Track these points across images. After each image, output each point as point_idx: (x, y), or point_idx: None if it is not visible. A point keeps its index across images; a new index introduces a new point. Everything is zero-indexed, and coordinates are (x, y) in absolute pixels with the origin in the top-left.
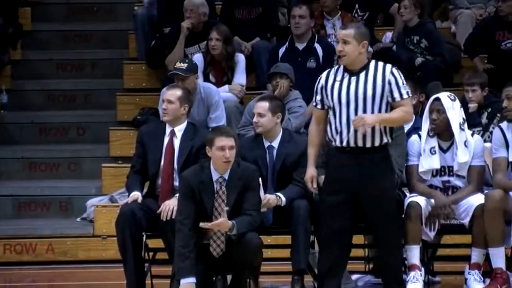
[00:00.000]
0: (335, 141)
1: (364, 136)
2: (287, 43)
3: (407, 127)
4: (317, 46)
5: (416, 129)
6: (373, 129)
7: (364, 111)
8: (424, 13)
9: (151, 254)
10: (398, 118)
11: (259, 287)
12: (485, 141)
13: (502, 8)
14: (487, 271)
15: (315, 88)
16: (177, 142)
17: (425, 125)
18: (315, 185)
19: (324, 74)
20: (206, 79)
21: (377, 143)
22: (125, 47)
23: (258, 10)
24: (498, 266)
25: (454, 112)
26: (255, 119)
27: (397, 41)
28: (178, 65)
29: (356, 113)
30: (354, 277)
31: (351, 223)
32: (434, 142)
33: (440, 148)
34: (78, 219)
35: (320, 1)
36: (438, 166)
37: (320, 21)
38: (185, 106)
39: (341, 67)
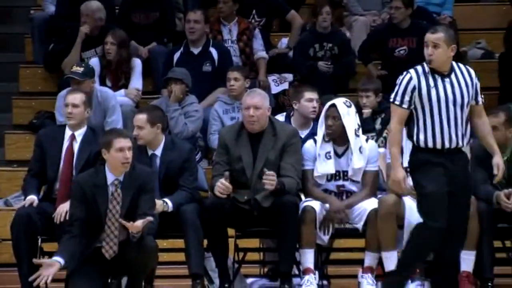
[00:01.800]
0: (428, 142)
1: (461, 137)
2: (182, 48)
3: (305, 133)
4: (212, 50)
5: (313, 134)
6: (466, 129)
7: (456, 113)
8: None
9: (46, 257)
10: None
11: None
12: (379, 146)
13: (396, 15)
14: (380, 274)
15: (402, 88)
16: (76, 146)
17: (321, 130)
18: (408, 185)
19: (413, 76)
20: (103, 83)
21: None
22: (21, 51)
23: (155, 15)
24: (390, 270)
25: (350, 118)
26: (134, 132)
27: (297, 46)
28: (75, 69)
29: (450, 114)
30: (249, 280)
31: None
32: (329, 147)
33: (335, 153)
34: None
35: (217, 7)
36: (333, 171)
37: (216, 27)
38: (88, 110)
39: (426, 68)
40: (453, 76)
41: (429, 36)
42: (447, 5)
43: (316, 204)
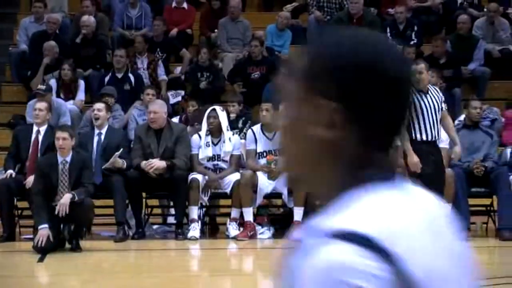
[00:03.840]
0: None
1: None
2: (110, 73)
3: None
4: (130, 75)
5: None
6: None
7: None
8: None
9: (19, 211)
10: None
11: (92, 233)
12: (241, 138)
13: (254, 51)
14: (241, 222)
15: None
16: (40, 138)
17: (204, 126)
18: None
19: None
20: (58, 96)
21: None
22: (2, 74)
23: (93, 50)
24: (248, 220)
25: (223, 119)
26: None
27: (188, 73)
28: (39, 87)
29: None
30: (155, 227)
31: None
32: (208, 138)
33: (213, 142)
34: None
35: (134, 46)
36: (211, 155)
37: (133, 59)
38: (49, 114)
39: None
40: (429, 93)
41: (416, 67)
42: (285, 47)
43: (199, 176)
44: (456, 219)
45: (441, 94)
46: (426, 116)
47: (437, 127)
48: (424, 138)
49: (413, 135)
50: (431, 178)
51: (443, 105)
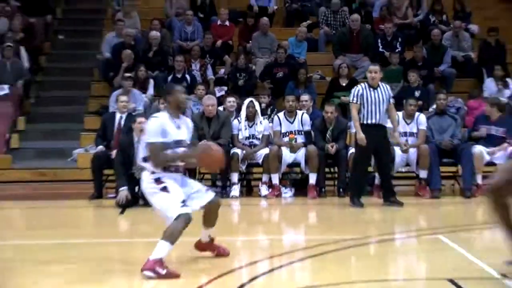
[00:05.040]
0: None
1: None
2: (172, 74)
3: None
4: (187, 75)
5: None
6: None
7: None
8: None
9: (106, 177)
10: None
11: None
12: (269, 122)
13: (279, 57)
14: (270, 185)
15: (356, 93)
16: (122, 122)
17: (243, 113)
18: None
19: (360, 88)
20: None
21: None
22: (92, 75)
23: (159, 58)
24: (275, 183)
25: (257, 108)
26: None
27: (230, 73)
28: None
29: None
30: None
31: None
32: (246, 122)
33: (249, 125)
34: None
35: (190, 54)
36: (247, 135)
37: (189, 63)
38: (129, 103)
39: (366, 85)
40: (379, 89)
41: (372, 68)
42: (302, 54)
43: (238, 151)
44: (431, 182)
45: (389, 91)
46: (373, 106)
47: (382, 115)
48: (370, 122)
49: (363, 119)
50: (376, 150)
51: (391, 100)
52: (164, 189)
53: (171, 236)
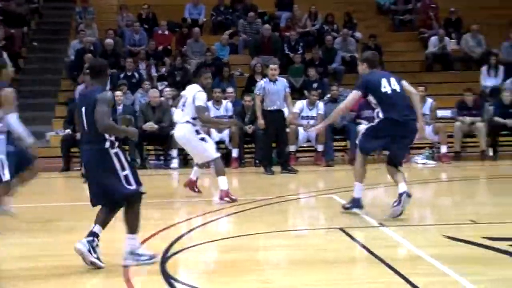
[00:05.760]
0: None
1: None
2: (123, 72)
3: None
4: (135, 73)
5: None
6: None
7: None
8: None
9: (73, 154)
10: None
11: None
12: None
13: (207, 58)
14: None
15: (259, 87)
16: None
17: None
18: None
19: (263, 82)
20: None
21: None
22: (61, 73)
23: (113, 59)
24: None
25: None
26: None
27: (170, 71)
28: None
29: None
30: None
31: None
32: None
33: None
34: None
35: (137, 56)
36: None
37: (137, 64)
38: None
39: (267, 79)
40: (277, 82)
41: (272, 66)
42: (225, 55)
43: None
44: (326, 153)
45: (285, 83)
46: (273, 96)
47: (281, 102)
48: (271, 108)
49: (266, 106)
50: (275, 132)
51: (287, 90)
52: (203, 139)
53: (221, 170)
